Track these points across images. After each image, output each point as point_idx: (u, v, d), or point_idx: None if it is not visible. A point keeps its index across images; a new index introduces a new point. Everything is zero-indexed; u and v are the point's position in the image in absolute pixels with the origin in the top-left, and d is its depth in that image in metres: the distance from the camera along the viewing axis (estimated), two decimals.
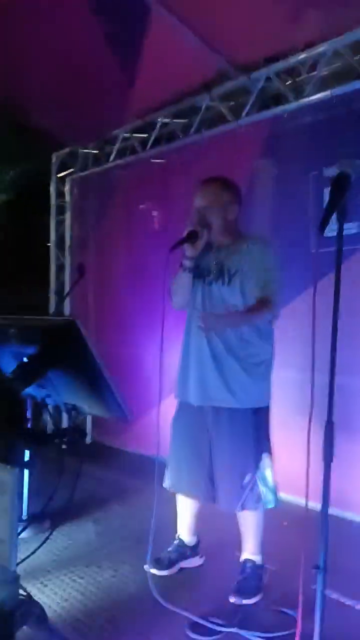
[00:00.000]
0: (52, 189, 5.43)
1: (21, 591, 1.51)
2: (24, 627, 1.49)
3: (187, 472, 2.61)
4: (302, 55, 3.51)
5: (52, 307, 5.42)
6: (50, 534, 1.52)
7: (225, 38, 3.47)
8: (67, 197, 5.35)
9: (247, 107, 3.81)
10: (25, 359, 1.46)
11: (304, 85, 3.61)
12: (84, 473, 1.50)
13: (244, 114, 3.82)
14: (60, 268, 5.46)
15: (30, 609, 1.50)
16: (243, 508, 2.47)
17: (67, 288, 5.38)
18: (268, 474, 2.50)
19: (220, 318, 2.38)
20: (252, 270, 2.45)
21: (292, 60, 3.55)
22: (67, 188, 5.36)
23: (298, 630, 1.56)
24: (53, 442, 1.35)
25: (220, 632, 2.22)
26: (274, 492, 2.52)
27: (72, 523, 3.20)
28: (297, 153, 3.59)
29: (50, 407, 1.62)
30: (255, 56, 3.64)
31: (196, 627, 2.24)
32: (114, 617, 2.32)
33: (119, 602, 2.45)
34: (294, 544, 2.96)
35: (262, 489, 2.47)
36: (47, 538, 1.48)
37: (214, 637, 2.19)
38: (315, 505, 3.42)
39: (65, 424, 3.52)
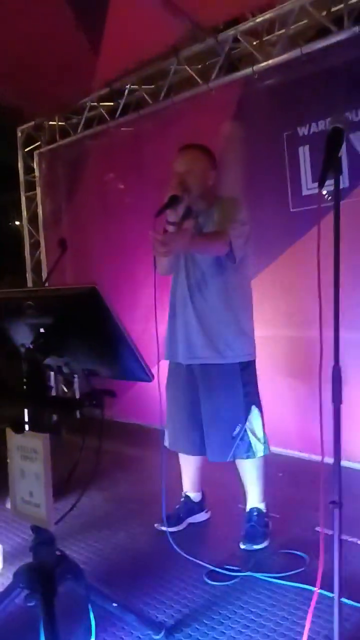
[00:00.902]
0: (20, 165, 5.32)
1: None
2: (64, 583, 1.57)
3: (181, 430, 2.72)
4: (269, 14, 3.50)
5: (30, 285, 5.38)
6: (82, 495, 1.58)
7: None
8: (37, 172, 5.26)
9: (216, 70, 3.79)
10: (42, 330, 1.50)
11: (272, 45, 3.61)
12: (78, 445, 1.55)
13: (213, 76, 3.81)
14: (35, 245, 5.40)
15: (68, 566, 1.57)
16: (234, 457, 2.59)
17: (43, 265, 5.34)
18: (257, 425, 2.60)
19: (179, 239, 2.36)
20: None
21: (259, 19, 3.54)
22: (35, 163, 5.26)
23: (321, 562, 1.66)
24: (82, 407, 1.40)
25: (236, 576, 2.35)
26: (265, 442, 2.63)
27: (77, 492, 3.28)
28: (269, 113, 3.61)
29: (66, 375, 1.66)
30: (221, 17, 3.62)
31: (213, 575, 2.37)
32: (135, 573, 2.43)
33: (137, 560, 2.55)
34: (291, 492, 3.15)
35: (251, 438, 2.58)
36: (78, 500, 1.54)
37: (231, 582, 2.32)
38: (308, 456, 3.60)
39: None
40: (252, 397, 2.61)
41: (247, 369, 2.62)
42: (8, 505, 3.16)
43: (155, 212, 2.43)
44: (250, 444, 2.58)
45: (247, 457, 2.60)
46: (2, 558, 2.50)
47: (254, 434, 2.59)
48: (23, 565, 1.59)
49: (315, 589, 1.78)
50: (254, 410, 2.61)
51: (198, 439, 2.67)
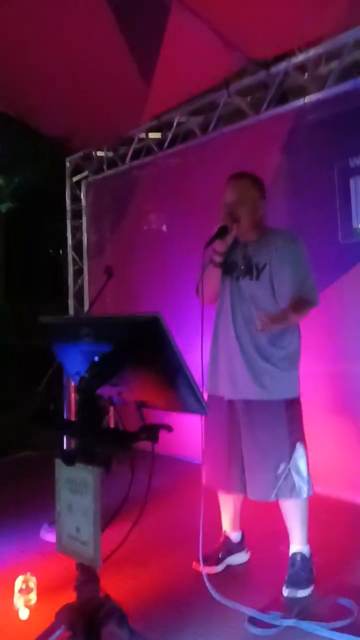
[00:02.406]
0: (67, 194, 5.42)
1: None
2: (106, 626, 1.49)
3: (220, 467, 2.62)
4: (322, 48, 3.50)
5: (71, 312, 5.41)
6: (130, 531, 1.51)
7: (243, 33, 3.45)
8: (83, 201, 5.34)
9: (267, 101, 3.80)
10: (96, 358, 1.46)
11: (324, 77, 3.61)
12: (112, 475, 1.49)
13: (263, 108, 3.81)
14: (78, 272, 5.45)
15: (111, 608, 1.50)
16: (277, 497, 2.49)
17: (85, 292, 5.38)
18: (301, 464, 2.51)
19: (274, 318, 2.36)
20: (284, 266, 2.48)
21: (312, 52, 3.55)
22: (82, 192, 5.35)
23: None
24: (137, 440, 1.34)
25: (280, 625, 2.22)
26: (308, 482, 2.53)
27: (110, 525, 3.21)
28: (320, 144, 3.59)
29: (116, 406, 1.61)
30: (274, 50, 3.63)
31: (255, 621, 2.25)
32: (173, 615, 2.33)
33: (174, 601, 2.45)
34: (336, 537, 3.00)
35: (296, 478, 2.48)
36: (126, 537, 1.48)
37: (274, 630, 2.19)
38: (353, 498, 3.43)
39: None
40: (297, 435, 2.52)
41: (293, 405, 2.54)
42: (43, 536, 3.15)
43: (205, 242, 2.43)
44: (294, 483, 2.48)
45: (291, 497, 2.49)
46: (35, 591, 2.43)
47: (298, 473, 2.49)
48: (66, 605, 1.52)
49: None
50: (299, 449, 2.51)
51: (238, 476, 2.58)
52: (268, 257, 2.50)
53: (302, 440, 2.54)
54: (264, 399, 2.49)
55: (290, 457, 2.48)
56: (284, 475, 2.46)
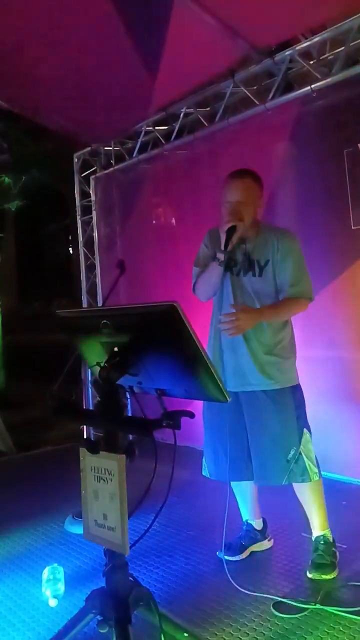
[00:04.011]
0: (76, 189, 5.44)
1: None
2: (135, 610, 1.52)
3: (225, 457, 2.64)
4: (327, 34, 3.47)
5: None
6: (155, 519, 1.53)
7: (248, 22, 3.42)
8: (92, 197, 5.35)
9: (273, 90, 3.78)
10: (116, 349, 1.48)
11: (330, 63, 3.58)
12: (131, 467, 1.51)
13: (270, 97, 3.79)
14: (90, 268, 5.47)
15: (140, 592, 1.52)
16: (289, 481, 2.53)
17: (98, 287, 5.40)
18: (310, 448, 2.56)
19: (255, 314, 2.43)
20: (286, 263, 2.53)
21: (317, 39, 3.52)
22: (91, 187, 5.36)
23: None
24: (159, 427, 1.36)
25: (306, 609, 2.24)
26: (317, 465, 2.57)
27: (133, 516, 3.24)
28: (329, 131, 3.57)
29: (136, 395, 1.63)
30: (278, 38, 3.61)
31: (281, 606, 2.27)
32: (200, 602, 2.35)
33: (200, 589, 2.48)
34: (358, 522, 3.01)
35: (306, 462, 2.52)
36: (152, 523, 1.50)
37: (301, 615, 2.21)
38: None
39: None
40: (303, 421, 2.58)
41: (297, 392, 2.59)
42: (67, 527, 3.20)
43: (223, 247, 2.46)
44: (305, 467, 2.52)
45: (302, 481, 2.54)
46: (63, 581, 2.48)
47: (308, 457, 2.54)
48: (95, 590, 1.55)
49: None
50: (306, 434, 2.57)
51: (244, 465, 2.62)
52: (269, 254, 2.55)
53: (307, 425, 2.59)
54: (273, 389, 2.54)
55: (300, 442, 2.53)
56: (294, 460, 2.51)
